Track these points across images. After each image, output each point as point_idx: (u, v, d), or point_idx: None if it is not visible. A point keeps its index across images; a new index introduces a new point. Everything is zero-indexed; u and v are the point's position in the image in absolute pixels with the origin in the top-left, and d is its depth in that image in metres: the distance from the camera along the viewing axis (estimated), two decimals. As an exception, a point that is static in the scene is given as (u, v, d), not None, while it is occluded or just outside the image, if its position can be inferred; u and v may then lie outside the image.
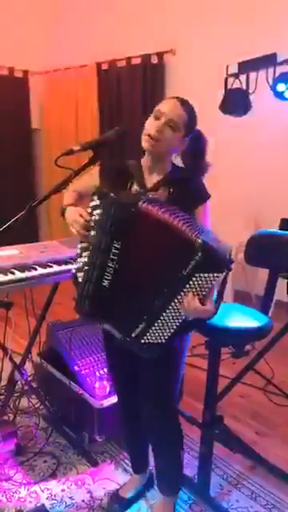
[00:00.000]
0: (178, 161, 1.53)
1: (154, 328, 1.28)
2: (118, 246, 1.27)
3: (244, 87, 3.49)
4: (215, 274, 1.20)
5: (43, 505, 1.79)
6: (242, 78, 3.49)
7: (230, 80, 3.52)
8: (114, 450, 2.12)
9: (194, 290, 1.22)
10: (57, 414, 2.27)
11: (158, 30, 4.43)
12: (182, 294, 1.23)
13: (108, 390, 2.02)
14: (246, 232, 3.24)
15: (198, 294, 1.22)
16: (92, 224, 1.33)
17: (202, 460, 1.87)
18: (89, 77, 4.90)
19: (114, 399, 1.98)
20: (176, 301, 1.24)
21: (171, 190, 1.44)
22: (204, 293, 1.22)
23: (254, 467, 2.02)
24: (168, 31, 4.35)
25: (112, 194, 1.30)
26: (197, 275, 1.20)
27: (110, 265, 1.28)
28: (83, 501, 1.83)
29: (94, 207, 1.34)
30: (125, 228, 1.27)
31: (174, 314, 1.26)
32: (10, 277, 1.75)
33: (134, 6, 4.55)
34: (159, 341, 1.29)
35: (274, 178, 3.81)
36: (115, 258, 1.27)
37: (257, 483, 1.93)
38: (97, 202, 1.34)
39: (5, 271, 1.77)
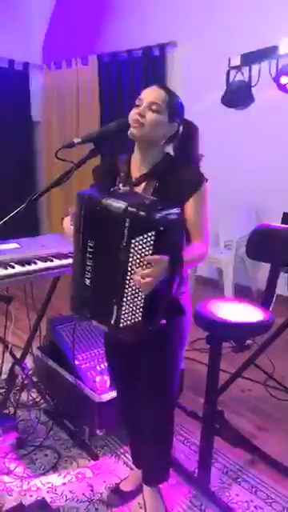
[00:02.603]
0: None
1: (124, 308, 1.28)
2: (91, 245, 1.31)
3: (246, 79, 3.45)
4: (149, 234, 1.20)
5: (44, 498, 1.79)
6: (245, 70, 3.46)
7: (233, 72, 3.48)
8: (114, 444, 2.13)
9: (137, 256, 1.22)
10: (57, 407, 2.27)
11: (159, 22, 4.38)
12: (130, 264, 1.24)
13: (108, 384, 2.02)
14: (248, 226, 3.24)
15: (141, 258, 1.22)
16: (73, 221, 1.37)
17: (202, 454, 1.87)
18: (90, 69, 4.86)
19: (114, 393, 1.98)
20: (129, 273, 1.25)
21: (156, 184, 1.41)
22: (147, 254, 1.22)
23: (255, 461, 2.02)
24: (169, 23, 4.31)
25: (86, 195, 1.31)
26: (133, 241, 1.21)
27: (88, 263, 1.33)
28: (84, 494, 1.83)
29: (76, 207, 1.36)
30: (94, 226, 1.29)
31: (133, 288, 1.26)
32: (9, 271, 1.74)
33: (136, -2, 4.51)
34: (135, 319, 1.28)
35: (276, 171, 3.79)
36: (91, 256, 1.31)
37: (257, 477, 1.93)
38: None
39: (5, 265, 1.77)
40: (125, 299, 1.27)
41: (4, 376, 2.31)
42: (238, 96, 3.43)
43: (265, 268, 2.24)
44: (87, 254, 1.32)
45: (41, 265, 1.84)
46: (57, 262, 1.88)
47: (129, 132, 1.38)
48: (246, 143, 3.92)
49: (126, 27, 4.60)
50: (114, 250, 1.25)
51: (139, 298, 1.26)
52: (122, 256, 1.24)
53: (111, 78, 4.77)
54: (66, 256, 1.91)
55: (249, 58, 3.31)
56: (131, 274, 1.24)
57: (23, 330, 2.41)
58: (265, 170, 3.84)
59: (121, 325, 1.29)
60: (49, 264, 1.86)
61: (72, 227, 1.38)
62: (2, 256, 1.84)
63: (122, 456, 2.05)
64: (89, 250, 1.31)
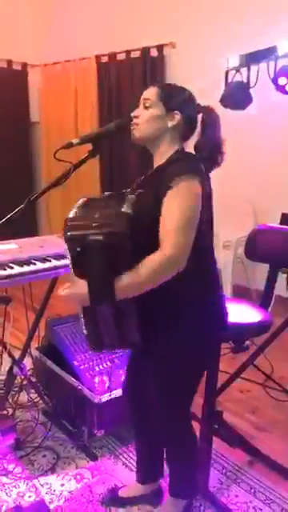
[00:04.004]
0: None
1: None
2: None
3: (245, 80, 3.45)
4: (70, 253, 1.25)
5: (42, 499, 1.78)
6: (243, 71, 3.45)
7: (231, 73, 3.48)
8: (113, 445, 2.12)
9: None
10: (56, 408, 2.27)
11: (157, 22, 4.38)
12: None
13: (107, 384, 2.02)
14: (247, 226, 3.24)
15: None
16: None
17: (201, 455, 1.86)
18: (88, 70, 4.86)
19: (113, 394, 1.97)
20: None
21: (147, 183, 1.38)
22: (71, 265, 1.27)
23: (253, 462, 2.02)
24: (168, 24, 4.30)
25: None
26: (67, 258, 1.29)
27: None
28: (82, 495, 1.83)
29: None
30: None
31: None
32: (8, 271, 1.74)
33: (134, -2, 4.51)
34: (84, 331, 1.34)
35: (275, 172, 3.79)
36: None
37: (256, 478, 1.93)
38: None
39: (3, 266, 1.76)
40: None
41: (2, 377, 2.30)
42: (236, 97, 3.42)
43: (263, 268, 2.24)
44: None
45: (39, 265, 1.83)
46: (55, 263, 1.88)
47: (131, 138, 1.38)
48: (244, 144, 3.92)
49: (124, 28, 4.60)
50: None
51: (80, 312, 1.32)
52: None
53: (110, 79, 4.76)
54: (64, 257, 1.90)
55: (247, 59, 3.30)
56: None
57: (22, 331, 2.41)
58: (263, 170, 3.84)
59: (84, 332, 1.35)
60: (47, 265, 1.86)
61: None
62: (1, 256, 1.84)
63: (121, 457, 2.05)
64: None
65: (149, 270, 1.22)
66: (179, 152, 1.38)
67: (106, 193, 1.43)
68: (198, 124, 1.39)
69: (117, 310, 1.25)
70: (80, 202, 1.33)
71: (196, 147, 1.39)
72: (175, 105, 1.37)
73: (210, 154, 1.36)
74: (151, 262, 1.22)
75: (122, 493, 1.80)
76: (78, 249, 1.18)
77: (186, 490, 1.69)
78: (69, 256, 1.25)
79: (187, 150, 1.42)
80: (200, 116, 1.39)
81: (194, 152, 1.39)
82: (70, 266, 1.26)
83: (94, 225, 1.18)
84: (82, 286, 1.24)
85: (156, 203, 1.26)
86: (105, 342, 1.33)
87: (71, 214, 1.25)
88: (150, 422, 1.61)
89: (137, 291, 1.24)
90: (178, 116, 1.36)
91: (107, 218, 1.20)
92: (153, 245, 1.24)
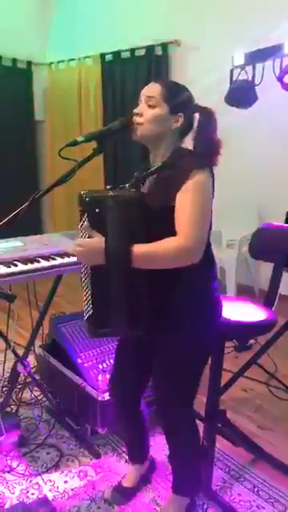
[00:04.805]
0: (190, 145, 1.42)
1: (84, 300, 1.35)
2: None
3: (250, 78, 3.44)
4: (85, 216, 1.29)
5: (45, 496, 1.79)
6: (248, 69, 3.44)
7: (236, 71, 3.47)
8: (116, 443, 2.13)
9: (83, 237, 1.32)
10: (59, 406, 2.27)
11: (162, 20, 4.37)
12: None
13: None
14: (251, 225, 3.23)
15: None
16: None
17: (204, 453, 1.86)
18: (93, 68, 4.86)
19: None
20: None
21: (155, 178, 1.39)
22: (85, 234, 1.30)
23: (257, 461, 2.02)
24: (173, 22, 4.29)
25: (86, 197, 1.33)
26: (80, 223, 1.33)
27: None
28: (85, 492, 1.84)
29: None
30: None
31: (85, 277, 1.35)
32: (12, 269, 1.75)
33: (139, -4, 4.50)
34: (90, 311, 1.32)
35: (280, 170, 3.78)
36: None
37: (259, 477, 1.93)
38: None
39: (8, 263, 1.77)
40: (84, 291, 1.35)
41: (7, 374, 2.31)
42: (241, 95, 3.41)
43: (267, 267, 2.23)
44: None
45: (44, 263, 1.84)
46: (59, 261, 1.88)
47: (132, 135, 1.38)
48: (249, 142, 3.91)
49: (129, 26, 4.59)
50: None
51: (88, 288, 1.33)
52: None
53: (114, 77, 4.76)
54: (68, 254, 1.91)
55: (252, 57, 3.29)
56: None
57: (26, 329, 2.41)
58: (268, 168, 3.83)
59: (84, 317, 1.35)
60: (52, 262, 1.86)
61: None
62: (6, 254, 1.85)
63: (124, 454, 2.05)
64: None
65: (165, 249, 1.27)
66: (182, 148, 1.40)
67: (108, 186, 1.43)
68: (195, 124, 1.40)
69: (131, 281, 1.28)
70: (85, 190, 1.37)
71: (193, 147, 1.41)
72: (179, 106, 1.36)
73: (206, 153, 1.37)
74: (168, 243, 1.27)
75: (125, 483, 1.84)
76: (97, 210, 1.24)
77: (189, 487, 1.70)
78: (84, 222, 1.30)
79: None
80: (197, 116, 1.39)
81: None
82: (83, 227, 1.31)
83: (110, 194, 1.30)
84: (98, 241, 1.27)
85: (169, 196, 1.29)
86: (112, 319, 1.32)
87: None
88: (137, 416, 1.70)
89: (150, 264, 1.28)
90: (181, 118, 1.37)
91: (122, 194, 1.32)
92: (166, 235, 1.29)
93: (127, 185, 1.41)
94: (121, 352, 1.67)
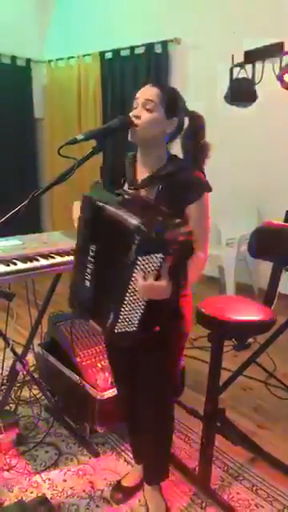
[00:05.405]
0: (178, 151, 1.48)
1: (121, 316, 1.29)
2: (93, 249, 1.32)
3: (250, 77, 3.43)
4: (157, 255, 1.20)
5: (44, 495, 1.79)
6: (248, 67, 3.43)
7: (236, 69, 3.46)
8: (115, 441, 2.13)
9: (142, 273, 1.22)
10: (58, 404, 2.27)
11: (162, 18, 4.36)
12: (133, 279, 1.24)
13: (109, 381, 2.02)
14: (250, 224, 3.23)
15: (146, 276, 1.22)
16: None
17: (203, 452, 1.87)
18: (92, 66, 4.85)
19: (115, 391, 1.97)
20: (131, 286, 1.25)
21: (160, 186, 1.40)
22: (152, 274, 1.21)
23: (255, 460, 2.02)
24: (172, 20, 4.28)
25: (94, 200, 1.30)
26: (140, 259, 1.21)
27: (89, 266, 1.34)
28: (84, 491, 1.84)
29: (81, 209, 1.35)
30: (99, 232, 1.30)
31: (133, 299, 1.27)
32: (11, 267, 1.74)
33: (139, -6, 4.49)
34: (131, 329, 1.29)
35: (279, 169, 3.77)
36: (93, 259, 1.32)
37: (258, 476, 1.93)
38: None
39: (7, 262, 1.76)
40: (123, 309, 1.28)
41: (5, 373, 2.31)
42: (241, 93, 3.41)
43: (267, 266, 2.23)
44: (89, 258, 1.33)
45: (43, 262, 1.83)
46: (58, 259, 1.87)
47: (129, 136, 1.38)
48: (248, 141, 3.91)
49: (128, 24, 4.58)
50: (118, 261, 1.26)
51: (138, 311, 1.27)
52: (127, 269, 1.23)
53: (114, 75, 4.75)
54: (67, 253, 1.90)
55: (252, 56, 3.28)
56: (133, 288, 1.24)
57: (24, 327, 2.41)
58: (268, 167, 3.82)
59: (115, 331, 1.31)
60: (51, 261, 1.85)
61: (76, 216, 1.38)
62: (5, 253, 1.84)
63: (123, 453, 2.05)
64: (91, 253, 1.32)
65: (197, 270, 1.39)
66: (177, 157, 1.45)
67: (95, 180, 1.44)
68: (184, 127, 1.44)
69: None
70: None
71: (183, 151, 1.45)
72: (175, 111, 1.40)
73: (194, 157, 1.43)
74: (201, 261, 1.40)
75: (125, 482, 1.85)
76: (171, 251, 1.20)
77: (162, 474, 1.75)
78: (153, 258, 1.21)
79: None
80: (186, 120, 1.43)
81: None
82: (154, 266, 1.21)
83: (170, 224, 1.23)
84: (165, 288, 1.22)
85: (178, 206, 1.35)
86: (102, 311, 1.33)
87: (135, 220, 1.21)
88: (137, 408, 1.70)
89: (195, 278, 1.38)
90: (175, 123, 1.41)
91: (173, 218, 1.26)
92: None
93: (126, 188, 1.42)
94: (118, 375, 1.75)
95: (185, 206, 1.38)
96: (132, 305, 1.27)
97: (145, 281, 1.20)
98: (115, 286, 1.29)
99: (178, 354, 1.58)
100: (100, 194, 1.35)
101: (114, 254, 1.28)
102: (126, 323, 1.29)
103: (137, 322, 1.28)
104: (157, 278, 1.21)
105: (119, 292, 1.27)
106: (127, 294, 1.26)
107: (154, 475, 1.76)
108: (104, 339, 1.72)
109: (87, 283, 1.36)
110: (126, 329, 1.30)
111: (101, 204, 1.29)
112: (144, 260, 1.20)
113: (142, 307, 1.26)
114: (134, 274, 1.22)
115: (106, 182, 1.52)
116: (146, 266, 1.21)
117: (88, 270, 1.35)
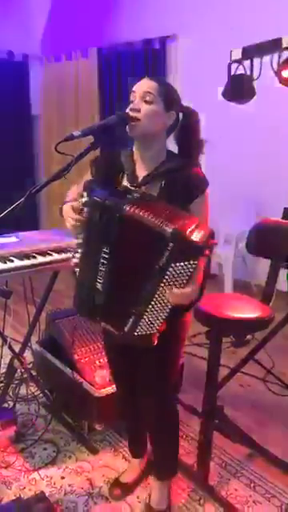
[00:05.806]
0: (174, 148, 1.47)
1: (143, 321, 1.29)
2: (107, 251, 1.29)
3: (248, 73, 3.42)
4: (191, 262, 1.19)
5: (43, 492, 1.79)
6: (246, 63, 3.42)
7: (234, 66, 3.45)
8: (113, 439, 2.13)
9: (172, 279, 1.21)
10: (56, 402, 2.27)
11: (160, 14, 4.34)
12: (163, 284, 1.23)
13: (108, 378, 2.02)
14: (248, 221, 3.22)
15: (176, 282, 1.22)
16: (83, 222, 1.33)
17: (202, 449, 1.87)
18: (89, 62, 4.82)
19: (113, 388, 1.97)
20: (159, 292, 1.24)
21: (163, 183, 1.39)
22: (184, 280, 1.22)
23: (253, 456, 2.02)
24: (170, 16, 4.26)
25: (98, 196, 1.28)
26: (173, 265, 1.20)
27: (101, 268, 1.31)
28: (82, 488, 1.84)
29: (84, 204, 1.33)
30: (111, 232, 1.27)
31: (159, 305, 1.26)
32: (9, 265, 1.73)
33: (136, -11, 4.46)
34: (151, 331, 1.30)
35: (277, 166, 3.77)
36: (105, 262, 1.30)
37: (256, 472, 1.93)
38: (86, 198, 1.32)
39: (4, 259, 1.75)
40: (147, 313, 1.28)
41: (3, 370, 2.30)
42: (239, 89, 3.39)
43: (265, 263, 2.23)
44: (101, 260, 1.30)
45: (40, 259, 1.82)
46: (56, 256, 1.86)
47: (128, 131, 1.37)
48: (246, 137, 3.90)
49: (126, 20, 4.56)
50: (142, 265, 1.24)
51: (162, 315, 1.28)
52: (155, 275, 1.22)
53: (111, 71, 4.73)
54: (65, 250, 1.89)
55: (250, 52, 3.27)
56: (161, 293, 1.24)
57: (22, 324, 2.40)
58: (266, 164, 3.82)
59: (135, 333, 1.31)
60: (48, 258, 1.84)
61: (73, 216, 1.35)
62: (2, 250, 1.83)
63: (121, 450, 2.05)
64: (103, 255, 1.29)
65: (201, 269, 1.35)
66: (174, 153, 1.44)
67: (88, 179, 1.43)
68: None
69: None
70: None
71: (179, 148, 1.45)
72: (173, 104, 1.39)
73: (189, 152, 1.43)
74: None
75: (123, 478, 1.85)
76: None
77: (172, 470, 1.76)
78: (186, 264, 1.21)
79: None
80: (181, 115, 1.43)
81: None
82: (187, 272, 1.22)
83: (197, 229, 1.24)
84: (192, 294, 1.27)
85: (181, 203, 1.34)
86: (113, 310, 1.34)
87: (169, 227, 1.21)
88: (137, 404, 1.69)
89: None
90: (173, 116, 1.40)
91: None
92: None
93: (129, 185, 1.40)
94: (117, 374, 1.76)
95: (189, 202, 1.37)
96: (157, 310, 1.27)
97: (177, 287, 1.20)
98: (138, 291, 1.26)
99: (178, 350, 1.58)
100: (105, 193, 1.30)
101: (136, 258, 1.27)
102: (147, 326, 1.29)
103: (159, 324, 1.29)
104: (186, 283, 1.21)
105: (143, 297, 1.26)
106: (154, 300, 1.25)
107: (163, 472, 1.76)
108: (104, 337, 1.70)
109: (99, 286, 1.33)
110: (147, 331, 1.30)
111: (119, 206, 1.25)
112: (177, 266, 1.19)
113: (167, 311, 1.26)
114: (163, 280, 1.22)
115: (101, 178, 1.49)
116: (178, 272, 1.20)
117: (100, 273, 1.31)
